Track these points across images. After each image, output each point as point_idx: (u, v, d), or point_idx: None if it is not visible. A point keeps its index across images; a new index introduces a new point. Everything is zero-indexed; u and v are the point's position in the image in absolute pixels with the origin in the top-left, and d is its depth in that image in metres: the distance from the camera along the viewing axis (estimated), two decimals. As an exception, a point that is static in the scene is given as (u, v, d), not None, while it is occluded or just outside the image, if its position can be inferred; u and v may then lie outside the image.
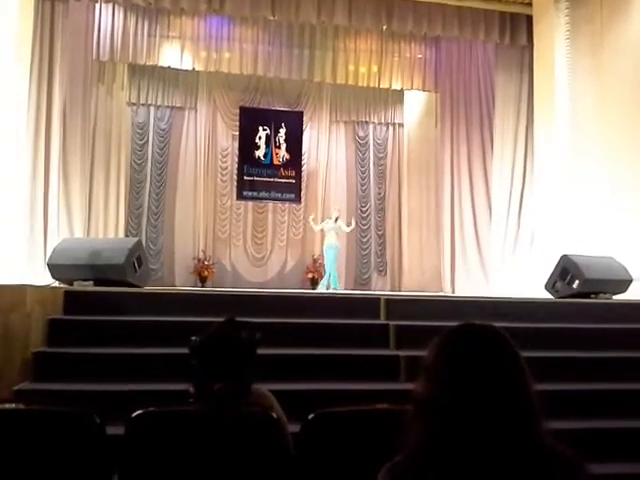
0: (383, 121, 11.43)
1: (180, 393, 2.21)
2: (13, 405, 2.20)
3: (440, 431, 1.12)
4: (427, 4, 8.45)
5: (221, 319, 2.23)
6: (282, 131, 10.95)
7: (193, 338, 2.15)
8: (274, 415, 2.05)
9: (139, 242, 5.53)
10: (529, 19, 8.59)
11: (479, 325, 1.23)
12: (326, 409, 2.11)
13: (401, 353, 3.97)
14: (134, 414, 1.96)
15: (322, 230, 9.88)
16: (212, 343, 2.12)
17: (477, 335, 1.20)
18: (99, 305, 4.22)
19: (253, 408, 2.07)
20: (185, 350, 2.19)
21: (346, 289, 10.14)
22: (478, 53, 10.05)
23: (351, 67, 9.96)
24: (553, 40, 7.85)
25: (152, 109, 10.53)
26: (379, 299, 4.63)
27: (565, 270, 5.89)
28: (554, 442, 1.17)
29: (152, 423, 1.99)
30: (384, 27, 8.73)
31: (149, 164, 10.46)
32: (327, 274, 9.50)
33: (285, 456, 2.03)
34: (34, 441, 1.92)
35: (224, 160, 10.84)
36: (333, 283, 9.42)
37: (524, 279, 7.95)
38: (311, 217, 9.96)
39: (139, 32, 9.20)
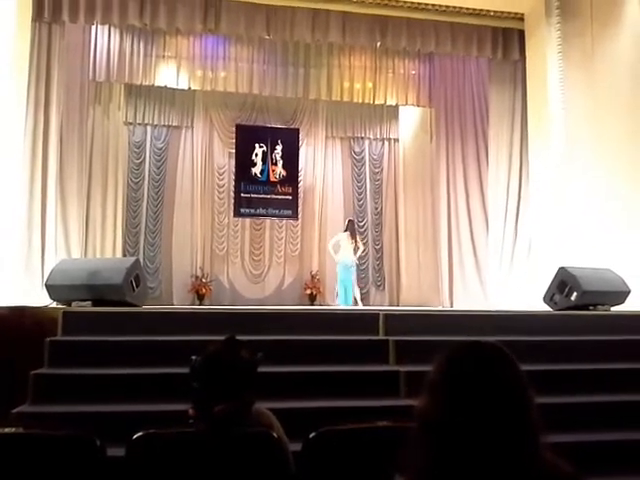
0: (379, 137, 11.50)
1: (180, 414, 2.20)
2: (13, 429, 2.19)
3: (444, 451, 1.12)
4: (420, 21, 8.53)
5: (220, 337, 2.23)
6: (278, 148, 11.00)
7: (194, 358, 2.15)
8: (275, 434, 2.04)
9: (137, 261, 5.51)
10: (521, 34, 8.69)
11: (482, 343, 1.23)
12: (327, 427, 2.10)
13: (401, 369, 3.97)
14: (135, 436, 1.96)
15: (337, 243, 9.50)
16: (213, 364, 2.11)
17: (480, 354, 1.21)
18: (98, 325, 4.21)
19: (254, 428, 2.07)
20: (185, 370, 2.18)
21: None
22: (471, 68, 10.14)
23: (346, 84, 10.02)
24: (545, 54, 7.94)
25: (149, 128, 10.58)
26: (378, 314, 4.62)
27: (563, 282, 5.89)
28: (554, 458, 1.17)
29: (153, 445, 1.98)
30: (378, 44, 8.79)
31: (146, 183, 10.48)
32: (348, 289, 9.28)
33: (286, 475, 2.02)
34: (34, 466, 1.91)
35: (221, 178, 10.88)
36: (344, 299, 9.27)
37: (522, 292, 7.95)
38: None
39: (135, 52, 9.26)
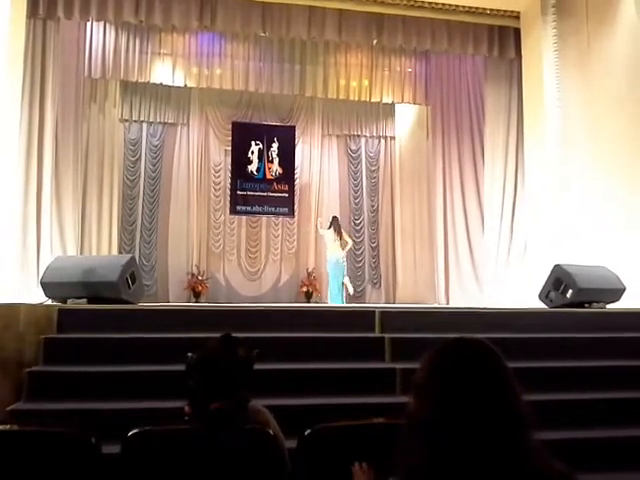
0: (375, 134, 11.50)
1: (176, 411, 2.20)
2: (7, 426, 2.18)
3: (435, 449, 1.13)
4: (416, 19, 8.53)
5: (216, 334, 2.23)
6: (274, 145, 10.99)
7: (189, 355, 2.14)
8: (271, 432, 2.04)
9: (132, 259, 5.50)
10: (517, 32, 8.70)
11: (466, 340, 1.23)
12: (322, 424, 2.10)
13: (397, 366, 3.97)
14: (130, 433, 1.96)
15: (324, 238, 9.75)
16: (208, 362, 2.11)
17: (464, 351, 1.21)
18: (93, 323, 4.20)
19: (249, 425, 2.06)
20: (181, 367, 2.18)
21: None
22: (467, 66, 10.14)
23: (342, 81, 10.01)
24: (541, 52, 7.95)
25: (144, 125, 10.55)
26: (374, 312, 4.62)
27: (558, 280, 5.91)
28: (545, 454, 1.17)
29: (148, 442, 1.98)
30: (374, 41, 8.79)
31: (142, 180, 10.45)
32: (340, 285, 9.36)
33: (282, 472, 2.02)
34: (29, 463, 1.90)
35: (217, 175, 10.86)
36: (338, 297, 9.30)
37: (518, 289, 7.97)
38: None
39: (130, 49, 9.23)
